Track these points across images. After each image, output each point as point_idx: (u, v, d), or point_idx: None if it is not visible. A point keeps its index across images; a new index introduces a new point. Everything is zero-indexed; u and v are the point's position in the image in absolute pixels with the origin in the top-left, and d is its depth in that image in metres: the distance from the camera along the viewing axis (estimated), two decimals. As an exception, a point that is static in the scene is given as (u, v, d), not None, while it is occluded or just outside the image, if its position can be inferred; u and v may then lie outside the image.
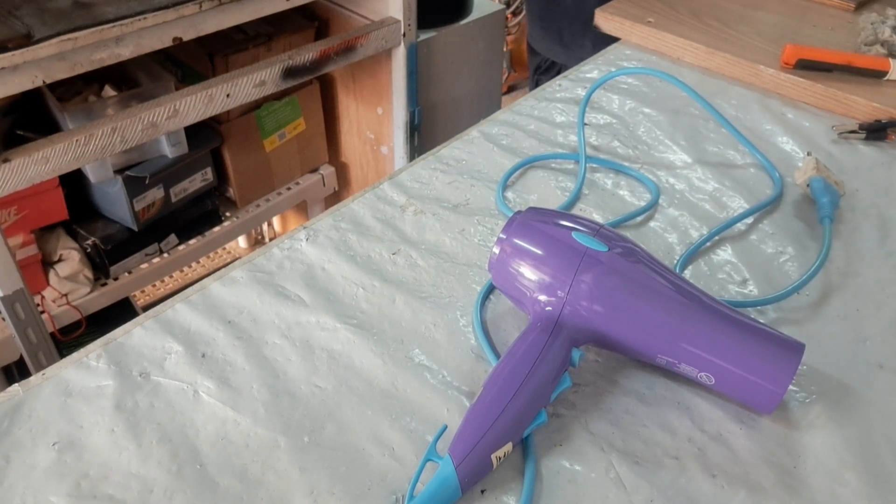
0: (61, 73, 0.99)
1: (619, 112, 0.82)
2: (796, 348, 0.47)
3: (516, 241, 0.52)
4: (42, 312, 1.27)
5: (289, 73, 1.23)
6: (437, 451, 0.44)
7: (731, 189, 0.71)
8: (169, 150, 1.36)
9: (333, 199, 1.79)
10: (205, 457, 0.46)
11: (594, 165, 0.73)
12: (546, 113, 0.81)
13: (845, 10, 1.02)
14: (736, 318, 0.48)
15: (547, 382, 0.46)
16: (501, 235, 0.52)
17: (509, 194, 0.69)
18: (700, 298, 0.49)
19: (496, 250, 0.52)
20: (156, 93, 1.21)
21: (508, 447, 0.44)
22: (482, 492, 0.45)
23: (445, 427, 0.45)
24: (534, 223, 0.52)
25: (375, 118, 1.59)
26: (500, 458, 0.44)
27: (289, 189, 1.67)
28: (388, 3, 1.36)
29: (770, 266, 0.62)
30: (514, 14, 2.45)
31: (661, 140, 0.78)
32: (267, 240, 2.06)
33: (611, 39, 0.98)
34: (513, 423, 0.45)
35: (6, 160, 0.97)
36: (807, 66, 0.85)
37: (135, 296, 1.63)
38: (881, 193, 0.71)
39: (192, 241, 1.51)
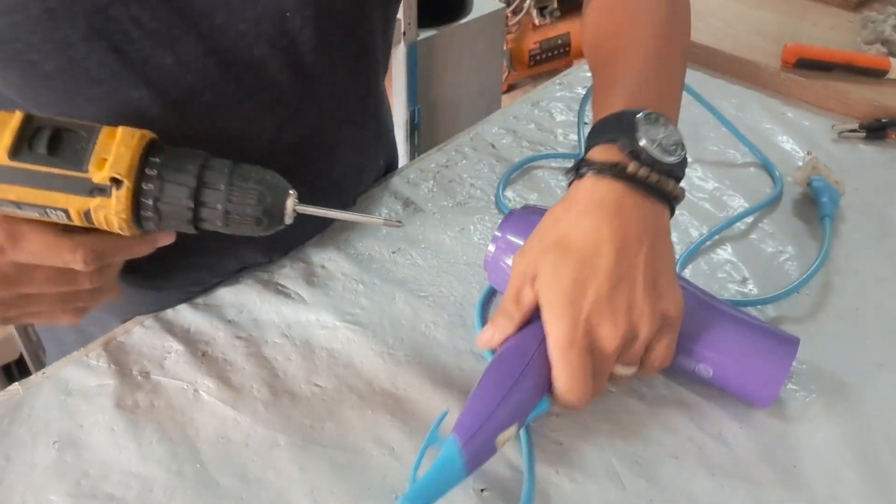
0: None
1: (619, 111, 0.82)
2: (792, 342, 0.48)
3: (511, 237, 0.51)
4: (42, 311, 1.27)
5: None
6: (439, 436, 0.43)
7: (731, 188, 0.71)
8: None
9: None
10: (205, 456, 0.46)
11: (594, 164, 0.73)
12: (546, 112, 0.81)
13: (845, 8, 1.02)
14: (733, 314, 0.49)
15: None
16: (497, 233, 0.52)
17: (509, 193, 0.69)
18: (697, 295, 0.49)
19: (492, 248, 0.52)
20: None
21: (513, 430, 0.43)
22: (482, 491, 0.45)
23: (446, 413, 0.44)
24: (529, 220, 0.52)
25: (375, 117, 1.58)
26: (503, 443, 0.43)
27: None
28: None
29: (770, 265, 0.62)
30: (514, 13, 2.44)
31: (661, 139, 0.78)
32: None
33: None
34: (518, 403, 0.43)
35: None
36: (807, 65, 0.85)
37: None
38: (881, 192, 0.71)
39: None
